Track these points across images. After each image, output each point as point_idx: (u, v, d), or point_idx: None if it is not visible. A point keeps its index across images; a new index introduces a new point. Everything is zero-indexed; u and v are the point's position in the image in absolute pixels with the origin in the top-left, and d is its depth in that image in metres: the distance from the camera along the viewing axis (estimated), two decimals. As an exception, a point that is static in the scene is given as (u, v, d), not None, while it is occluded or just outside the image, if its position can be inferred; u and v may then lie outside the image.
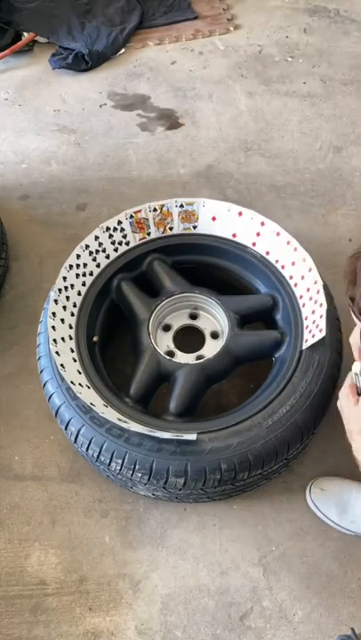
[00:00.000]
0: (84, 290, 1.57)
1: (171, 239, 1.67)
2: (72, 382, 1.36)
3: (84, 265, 1.58)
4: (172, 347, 1.59)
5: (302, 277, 1.53)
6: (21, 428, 1.67)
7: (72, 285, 1.54)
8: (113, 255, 1.62)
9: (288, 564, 1.46)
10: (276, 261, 1.60)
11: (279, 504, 1.53)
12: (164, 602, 1.42)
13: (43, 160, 2.32)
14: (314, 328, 1.45)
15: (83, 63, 2.63)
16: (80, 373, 1.43)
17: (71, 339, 1.48)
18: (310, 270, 1.51)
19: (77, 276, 1.56)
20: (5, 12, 2.75)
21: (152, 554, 1.48)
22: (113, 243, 1.62)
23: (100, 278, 1.60)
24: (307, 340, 1.44)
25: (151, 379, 1.49)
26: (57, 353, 1.40)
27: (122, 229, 1.62)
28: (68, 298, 1.52)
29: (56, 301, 1.49)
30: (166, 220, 1.65)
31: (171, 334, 1.62)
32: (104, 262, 1.61)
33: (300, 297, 1.53)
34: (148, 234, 1.65)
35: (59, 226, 2.11)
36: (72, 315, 1.52)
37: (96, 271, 1.60)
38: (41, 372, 1.46)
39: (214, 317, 1.64)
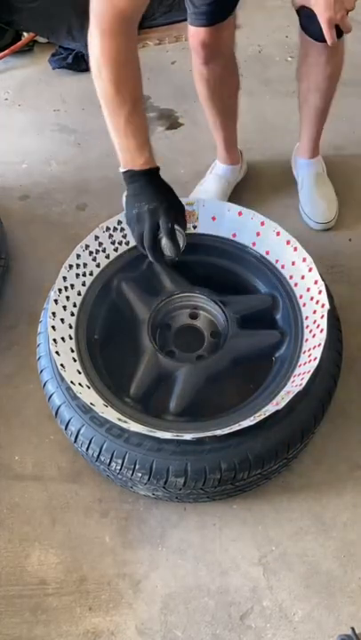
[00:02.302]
0: (84, 290, 1.57)
1: (171, 239, 1.67)
2: (72, 382, 1.36)
3: (84, 265, 1.58)
4: (172, 347, 1.59)
5: (302, 277, 1.53)
6: (21, 428, 1.67)
7: (72, 285, 1.54)
8: (113, 255, 1.62)
9: (288, 563, 1.46)
10: (276, 261, 1.60)
11: (279, 504, 1.53)
12: (165, 601, 1.42)
13: (43, 160, 2.32)
14: (314, 328, 1.45)
15: (83, 63, 2.63)
16: (80, 373, 1.43)
17: (71, 338, 1.48)
18: (311, 270, 1.51)
19: (77, 275, 1.56)
20: (5, 12, 2.75)
21: (152, 553, 1.48)
22: (113, 243, 1.62)
23: (100, 278, 1.60)
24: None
25: (151, 379, 1.49)
26: (57, 353, 1.40)
27: (122, 229, 1.62)
28: (68, 298, 1.52)
29: (56, 301, 1.49)
30: (166, 219, 1.65)
31: (171, 334, 1.62)
32: (104, 262, 1.61)
33: (301, 297, 1.53)
34: (149, 234, 1.65)
35: (59, 226, 2.11)
36: (72, 315, 1.52)
37: (96, 271, 1.60)
38: (41, 371, 1.46)
39: (214, 317, 1.64)
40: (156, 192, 1.45)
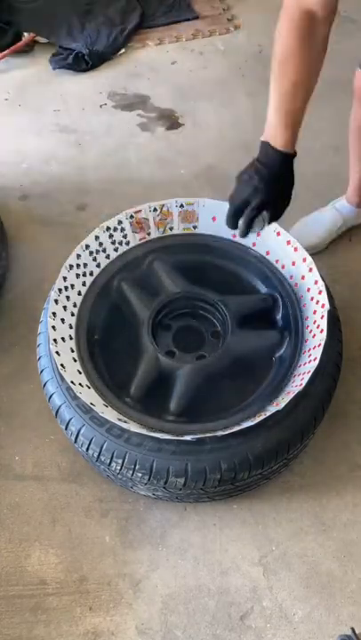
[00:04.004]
0: (84, 290, 1.57)
1: (171, 239, 1.67)
2: (72, 382, 1.36)
3: (85, 265, 1.58)
4: (172, 347, 1.59)
5: (303, 277, 1.53)
6: (21, 428, 1.67)
7: (72, 285, 1.54)
8: (113, 255, 1.62)
9: (288, 563, 1.46)
10: (277, 261, 1.60)
11: (279, 504, 1.53)
12: (165, 601, 1.42)
13: (43, 160, 2.32)
14: (314, 328, 1.45)
15: (83, 63, 2.63)
16: (80, 373, 1.43)
17: (71, 339, 1.48)
18: (311, 270, 1.51)
19: (78, 275, 1.56)
20: (5, 12, 2.75)
21: (152, 553, 1.48)
22: (113, 243, 1.62)
23: (100, 278, 1.60)
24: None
25: (151, 379, 1.49)
26: (57, 353, 1.40)
27: (122, 229, 1.62)
28: (68, 298, 1.52)
29: (56, 301, 1.49)
30: (167, 219, 1.66)
31: (171, 334, 1.62)
32: (104, 262, 1.61)
33: (301, 297, 1.53)
34: (149, 234, 1.65)
35: (59, 226, 2.11)
36: (72, 315, 1.52)
37: (96, 271, 1.60)
38: (41, 372, 1.46)
39: (214, 317, 1.64)
40: (281, 178, 1.40)
